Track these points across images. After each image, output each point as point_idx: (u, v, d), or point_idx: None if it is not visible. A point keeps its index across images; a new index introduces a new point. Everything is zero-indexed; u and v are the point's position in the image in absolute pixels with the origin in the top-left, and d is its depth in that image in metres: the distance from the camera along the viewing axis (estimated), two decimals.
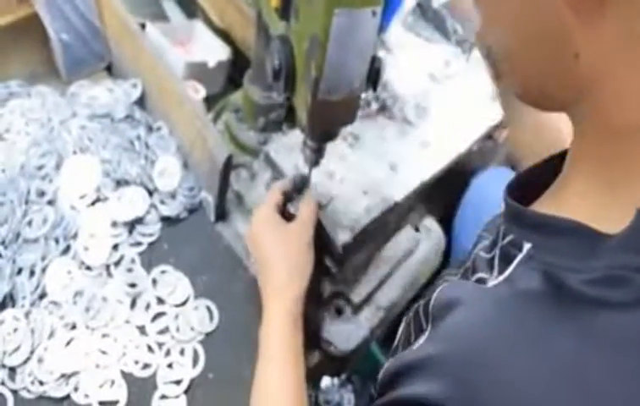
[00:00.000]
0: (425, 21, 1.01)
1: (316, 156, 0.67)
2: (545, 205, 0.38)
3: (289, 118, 0.83)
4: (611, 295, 0.28)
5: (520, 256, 0.34)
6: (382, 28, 0.93)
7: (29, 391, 0.62)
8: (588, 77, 0.31)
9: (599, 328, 0.28)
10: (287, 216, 0.68)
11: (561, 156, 0.39)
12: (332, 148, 0.74)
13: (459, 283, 0.43)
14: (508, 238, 0.37)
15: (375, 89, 0.60)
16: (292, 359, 0.59)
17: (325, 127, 0.62)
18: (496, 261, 0.37)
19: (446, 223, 0.91)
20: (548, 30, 0.32)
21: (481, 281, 0.39)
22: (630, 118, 0.30)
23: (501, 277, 0.36)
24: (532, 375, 0.28)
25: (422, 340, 0.38)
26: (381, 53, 0.86)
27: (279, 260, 0.63)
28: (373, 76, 0.59)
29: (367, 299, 0.76)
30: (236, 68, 0.92)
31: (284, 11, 0.58)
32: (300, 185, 0.71)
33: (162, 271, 0.72)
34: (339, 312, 0.74)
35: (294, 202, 0.70)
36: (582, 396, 0.27)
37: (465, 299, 0.35)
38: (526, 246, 0.34)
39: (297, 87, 0.60)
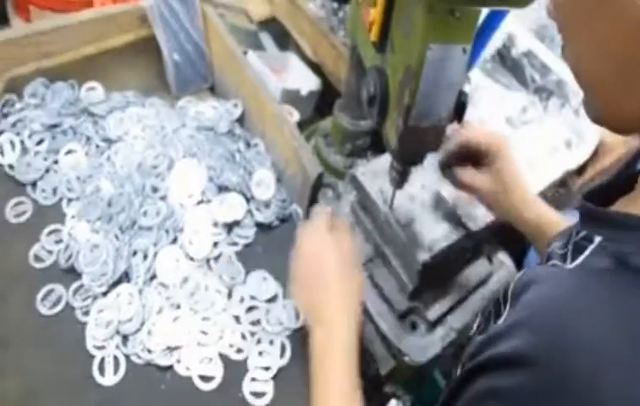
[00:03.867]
0: (504, 68, 1.18)
1: (401, 179, 0.78)
2: (617, 208, 0.45)
3: (374, 146, 1.00)
4: None
5: (591, 247, 0.41)
6: (469, 65, 1.09)
7: (138, 356, 0.78)
8: None
9: None
10: None
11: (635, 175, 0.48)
12: (414, 174, 0.89)
13: (535, 268, 0.50)
14: (581, 234, 0.44)
15: (460, 120, 0.70)
16: (349, 390, 0.61)
17: (413, 151, 0.72)
18: (569, 254, 0.44)
19: (516, 259, 1.04)
20: (636, 56, 0.39)
21: (554, 267, 0.46)
22: None
23: (574, 264, 0.42)
24: (606, 329, 0.35)
25: (502, 318, 0.44)
26: (467, 88, 1.02)
27: (334, 292, 0.66)
28: (460, 108, 0.69)
29: (441, 319, 0.89)
30: (324, 99, 1.12)
31: (381, 44, 0.70)
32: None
33: (255, 271, 0.88)
34: (414, 327, 0.87)
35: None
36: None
37: (542, 278, 0.42)
38: (598, 239, 0.41)
39: (389, 113, 0.71)
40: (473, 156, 0.81)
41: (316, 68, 1.15)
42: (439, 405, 0.49)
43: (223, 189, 0.93)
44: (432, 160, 0.93)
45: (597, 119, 0.46)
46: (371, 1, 0.71)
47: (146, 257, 0.84)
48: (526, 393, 0.36)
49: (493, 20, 1.03)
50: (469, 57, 0.68)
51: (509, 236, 1.02)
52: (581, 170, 1.13)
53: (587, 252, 0.42)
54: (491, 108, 1.13)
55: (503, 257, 1.00)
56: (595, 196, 0.49)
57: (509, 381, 0.37)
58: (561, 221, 0.77)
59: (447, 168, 0.83)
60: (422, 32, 0.62)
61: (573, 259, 0.43)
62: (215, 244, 0.89)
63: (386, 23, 0.70)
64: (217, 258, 0.88)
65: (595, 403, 0.34)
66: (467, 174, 0.81)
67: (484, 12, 1.06)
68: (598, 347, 0.35)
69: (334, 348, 0.62)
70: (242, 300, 0.85)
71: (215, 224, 0.90)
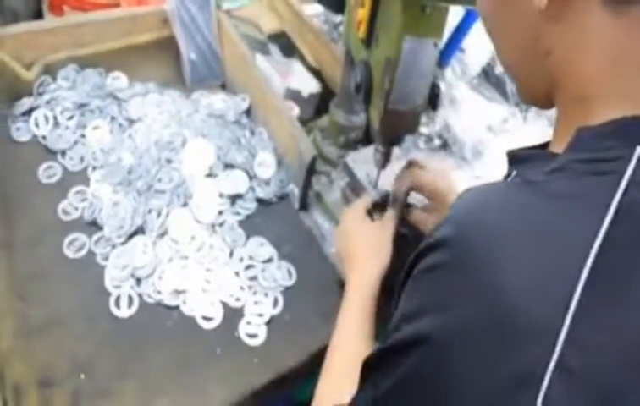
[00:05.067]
0: (488, 83, 1.36)
1: (384, 159, 0.93)
2: None
3: (365, 140, 1.16)
4: (555, 176, 0.45)
5: (509, 179, 0.50)
6: (442, 63, 1.25)
7: (150, 296, 0.93)
8: (560, 70, 0.49)
9: (548, 190, 0.45)
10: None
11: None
12: (398, 163, 1.05)
13: (468, 187, 0.56)
14: (504, 176, 0.52)
15: (434, 108, 0.86)
16: (364, 322, 0.77)
17: (392, 132, 0.87)
18: None
19: None
20: (522, 29, 0.50)
21: None
22: (593, 88, 0.48)
23: None
24: (506, 218, 0.44)
25: None
26: (442, 86, 1.16)
27: (364, 248, 0.84)
28: (433, 98, 0.84)
29: None
30: (323, 101, 1.27)
31: (368, 40, 0.84)
32: (385, 201, 0.96)
33: (254, 237, 1.04)
34: None
35: (376, 214, 0.94)
36: (525, 217, 0.43)
37: (472, 188, 0.51)
38: (514, 172, 0.50)
39: (373, 99, 0.85)
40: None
41: (317, 73, 1.33)
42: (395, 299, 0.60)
43: (229, 166, 1.09)
44: (413, 154, 1.12)
45: (527, 101, 0.59)
46: (360, 2, 0.87)
47: (159, 215, 1.01)
48: (444, 268, 0.45)
49: (467, 21, 1.21)
50: (444, 53, 0.85)
51: None
52: None
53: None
54: (474, 117, 1.29)
55: None
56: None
57: (433, 259, 0.47)
58: None
59: (397, 204, 0.93)
60: (399, 26, 0.77)
61: None
62: (220, 213, 1.03)
63: (372, 21, 0.85)
64: (221, 224, 1.02)
65: (489, 276, 0.42)
66: (416, 215, 0.92)
67: (459, 14, 1.24)
68: (497, 230, 0.43)
69: (350, 311, 0.79)
70: (242, 259, 0.99)
71: (221, 195, 1.05)
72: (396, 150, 0.96)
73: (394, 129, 0.86)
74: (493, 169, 1.17)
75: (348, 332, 0.77)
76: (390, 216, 0.90)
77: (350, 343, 0.76)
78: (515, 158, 0.53)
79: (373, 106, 0.86)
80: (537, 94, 0.55)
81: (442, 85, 1.02)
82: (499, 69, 1.36)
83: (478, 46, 1.35)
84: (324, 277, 1.01)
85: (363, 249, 0.84)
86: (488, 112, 1.31)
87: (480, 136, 1.25)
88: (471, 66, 1.35)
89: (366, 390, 0.54)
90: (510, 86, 1.34)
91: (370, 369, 0.55)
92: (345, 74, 1.07)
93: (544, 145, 0.57)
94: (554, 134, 0.54)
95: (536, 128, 1.28)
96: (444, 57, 1.25)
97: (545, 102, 0.55)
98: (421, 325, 0.46)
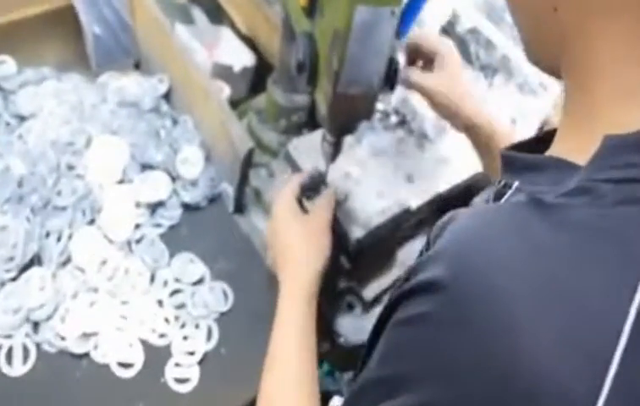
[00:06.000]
0: None
1: (334, 151, 0.83)
2: None
3: (310, 123, 1.04)
4: (576, 200, 0.39)
5: (509, 192, 0.44)
6: (401, 34, 1.13)
7: (51, 344, 0.80)
8: (566, 32, 0.43)
9: (567, 219, 0.39)
10: (302, 210, 0.86)
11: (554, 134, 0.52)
12: (350, 152, 0.94)
13: (454, 212, 0.53)
14: (501, 183, 0.46)
15: (392, 88, 0.76)
16: (304, 331, 0.73)
17: (343, 120, 0.78)
18: (490, 202, 0.47)
19: None
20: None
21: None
22: (600, 72, 0.43)
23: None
24: (507, 253, 0.38)
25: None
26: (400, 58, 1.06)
27: (299, 243, 0.79)
28: (391, 77, 0.75)
29: (378, 299, 0.93)
30: (260, 76, 1.14)
31: (311, 9, 0.75)
32: (318, 182, 0.89)
33: (180, 253, 0.91)
34: (350, 307, 0.92)
35: (310, 198, 0.88)
36: (538, 269, 0.38)
37: (460, 214, 0.46)
38: (515, 183, 0.44)
39: (319, 81, 0.76)
40: (424, 60, 0.93)
41: (250, 43, 1.18)
42: (366, 349, 0.53)
43: (146, 167, 0.96)
44: (367, 138, 1.01)
45: (532, 60, 0.52)
46: None
47: (59, 238, 0.86)
48: (436, 318, 0.39)
49: None
50: (402, 21, 0.74)
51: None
52: None
53: (505, 197, 0.45)
54: None
55: None
56: (521, 149, 0.52)
57: (420, 307, 0.41)
58: (512, 133, 0.84)
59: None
60: None
61: None
62: (137, 226, 0.91)
63: None
64: (139, 240, 0.90)
65: (501, 335, 0.36)
66: (416, 74, 0.91)
67: None
68: (506, 273, 0.38)
69: (288, 316, 0.74)
70: (166, 283, 0.88)
71: (137, 205, 0.92)
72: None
73: (345, 116, 0.78)
74: (460, 149, 1.05)
75: (284, 351, 0.72)
76: (325, 199, 0.85)
77: (288, 365, 0.71)
78: (516, 164, 0.47)
79: (319, 89, 0.77)
80: (543, 54, 0.50)
81: (401, 58, 0.90)
82: (461, 27, 1.23)
83: (437, 2, 1.21)
84: (268, 295, 0.87)
85: (296, 246, 0.79)
86: None
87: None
88: (428, 24, 1.22)
89: None
90: (475, 47, 1.21)
91: None
92: (284, 48, 0.94)
93: (541, 138, 0.52)
94: (561, 126, 0.48)
95: (502, 94, 1.17)
96: (402, 26, 1.12)
97: (553, 68, 0.49)
98: (402, 402, 0.40)
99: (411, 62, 0.94)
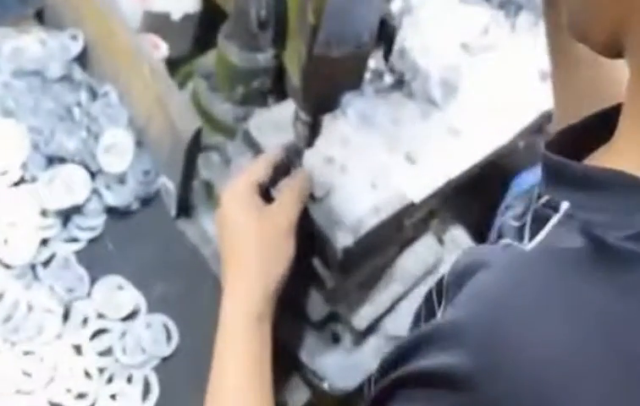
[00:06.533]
0: None
1: (310, 133, 0.76)
2: (594, 163, 0.46)
3: (278, 88, 0.94)
4: None
5: (556, 217, 0.42)
6: None
7: None
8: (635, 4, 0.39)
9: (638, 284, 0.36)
10: (268, 201, 0.78)
11: (618, 109, 0.47)
12: (331, 127, 0.85)
13: (480, 248, 0.52)
14: (543, 200, 0.44)
15: (389, 51, 0.71)
16: (252, 370, 0.69)
17: (323, 92, 0.71)
18: (527, 227, 0.44)
19: (480, 238, 0.99)
20: None
21: (508, 248, 0.46)
22: None
23: (533, 243, 0.42)
24: (562, 337, 0.36)
25: (437, 316, 0.47)
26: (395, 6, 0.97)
27: (249, 246, 0.73)
28: (386, 34, 0.68)
29: (374, 326, 0.85)
30: (207, 25, 1.04)
31: None
32: (293, 162, 0.81)
33: (105, 277, 0.81)
34: (336, 340, 0.84)
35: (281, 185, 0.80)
36: (614, 354, 0.35)
37: (489, 261, 0.42)
38: (564, 206, 0.41)
39: (289, 39, 0.69)
40: None
41: None
42: None
43: (54, 160, 0.88)
44: (354, 107, 0.93)
45: (582, 38, 0.48)
46: None
47: None
48: None
49: None
50: None
51: (468, 202, 0.97)
52: None
53: (549, 225, 0.42)
54: (440, 31, 1.08)
55: (458, 234, 0.97)
56: (563, 144, 0.48)
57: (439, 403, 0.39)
58: None
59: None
60: None
61: (532, 235, 0.43)
62: (44, 242, 0.83)
63: None
64: (47, 262, 0.83)
65: None
66: None
67: None
68: (548, 360, 0.36)
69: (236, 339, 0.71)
70: (85, 322, 0.80)
71: (43, 213, 0.85)
72: None
73: (324, 86, 0.72)
74: (478, 117, 0.98)
75: (228, 384, 0.69)
76: (292, 186, 0.79)
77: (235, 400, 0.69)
78: (566, 175, 0.44)
79: (290, 51, 0.71)
80: (596, 29, 0.46)
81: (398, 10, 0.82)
82: None
83: None
84: None
85: (246, 249, 0.75)
86: (460, 21, 1.10)
87: (451, 61, 1.05)
88: None
89: None
90: None
91: None
92: None
93: (594, 119, 0.51)
94: (625, 119, 0.45)
95: (529, 43, 1.08)
96: None
97: (607, 47, 0.46)
98: None
99: None
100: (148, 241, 0.87)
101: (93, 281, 0.82)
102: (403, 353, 0.44)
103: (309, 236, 0.78)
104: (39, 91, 0.90)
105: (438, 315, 0.47)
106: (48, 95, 0.90)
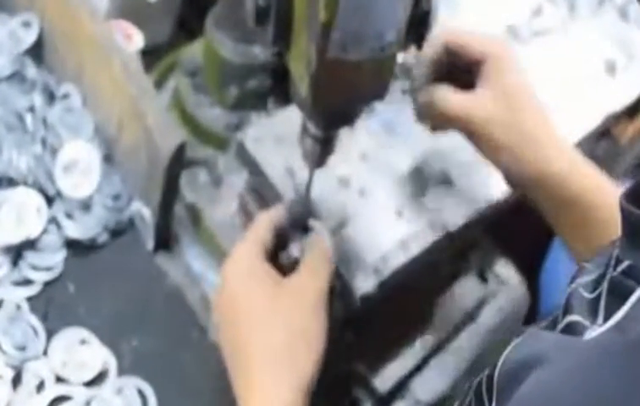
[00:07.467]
0: None
1: (321, 150, 0.77)
2: None
3: (280, 89, 0.96)
4: None
5: (639, 292, 0.41)
6: None
7: None
8: None
9: None
10: (282, 267, 0.77)
11: None
12: (347, 139, 0.85)
13: (538, 336, 0.51)
14: (623, 266, 0.43)
15: (420, 47, 0.72)
16: None
17: (337, 103, 0.72)
18: (602, 302, 0.44)
19: (530, 273, 1.00)
20: None
21: (574, 328, 0.46)
22: None
23: (608, 324, 0.42)
24: None
25: None
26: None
27: (273, 337, 0.71)
28: (418, 26, 0.70)
29: (400, 388, 0.87)
30: (191, 8, 1.07)
31: None
32: (303, 214, 0.81)
33: (66, 330, 0.82)
34: (355, 405, 0.85)
35: (293, 243, 0.79)
36: None
37: (547, 357, 0.42)
38: None
39: (295, 37, 0.70)
40: (457, 74, 0.83)
41: None
42: None
43: (2, 182, 0.90)
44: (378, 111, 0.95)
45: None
46: None
47: None
48: None
49: None
50: None
51: (515, 234, 0.98)
52: (634, 110, 1.14)
53: (631, 300, 0.41)
54: (483, 12, 1.11)
55: (504, 270, 0.99)
56: None
57: None
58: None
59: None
60: None
61: (608, 313, 0.43)
62: None
63: None
64: None
65: None
66: (445, 92, 0.82)
67: None
68: None
69: None
70: (41, 387, 0.81)
71: None
72: None
73: (339, 95, 0.71)
74: None
75: None
76: (314, 252, 0.77)
77: None
78: None
79: (296, 53, 0.71)
80: None
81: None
82: None
83: None
84: (213, 388, 0.83)
85: (276, 340, 0.71)
86: (507, 1, 1.14)
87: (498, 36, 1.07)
88: None
89: None
90: None
91: None
92: None
93: None
94: None
95: (593, 30, 1.12)
96: None
97: None
98: None
99: (438, 76, 0.85)
100: (119, 283, 0.88)
101: (50, 335, 0.82)
102: None
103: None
104: None
105: None
106: None
